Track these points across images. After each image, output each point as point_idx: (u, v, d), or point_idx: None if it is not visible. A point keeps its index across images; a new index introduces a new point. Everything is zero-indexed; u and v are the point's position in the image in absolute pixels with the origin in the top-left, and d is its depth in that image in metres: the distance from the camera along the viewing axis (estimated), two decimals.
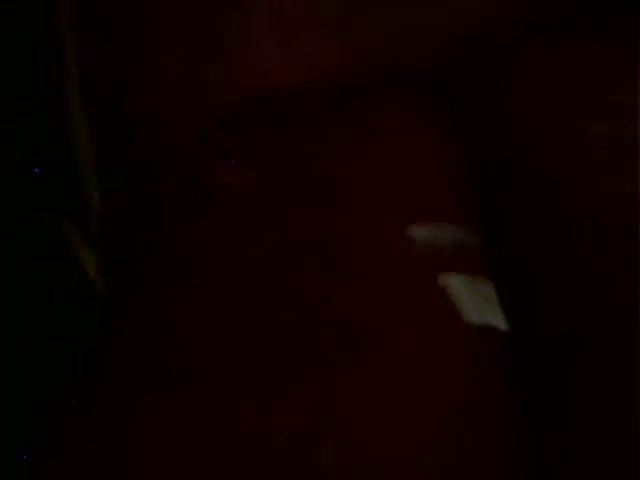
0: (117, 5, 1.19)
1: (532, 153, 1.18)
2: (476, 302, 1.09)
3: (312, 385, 1.00)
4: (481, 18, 1.29)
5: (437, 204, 1.17)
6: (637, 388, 0.93)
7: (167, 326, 1.07)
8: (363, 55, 1.25)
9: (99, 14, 1.19)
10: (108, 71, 1.20)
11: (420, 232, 1.12)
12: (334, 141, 1.20)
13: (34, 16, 1.18)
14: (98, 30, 1.19)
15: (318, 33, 1.23)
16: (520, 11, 1.30)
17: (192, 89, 1.21)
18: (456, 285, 1.09)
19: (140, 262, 1.15)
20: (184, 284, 1.10)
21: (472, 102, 1.26)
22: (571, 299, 1.06)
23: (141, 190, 1.19)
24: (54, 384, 1.08)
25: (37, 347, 1.13)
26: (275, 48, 1.22)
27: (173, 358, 1.04)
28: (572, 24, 1.27)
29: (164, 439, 0.95)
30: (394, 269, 1.10)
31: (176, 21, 1.20)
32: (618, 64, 1.21)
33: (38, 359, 1.12)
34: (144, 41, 1.20)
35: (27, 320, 1.14)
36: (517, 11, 1.30)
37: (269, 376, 1.01)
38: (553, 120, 1.19)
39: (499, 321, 1.09)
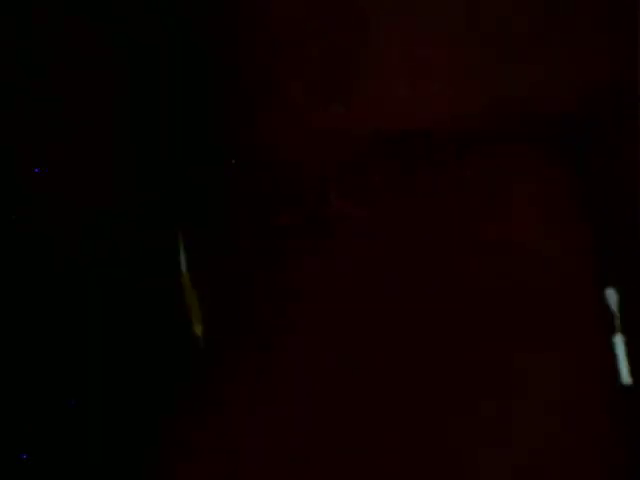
0: (249, 35, 1.19)
1: None
2: None
3: None
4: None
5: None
6: None
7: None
8: (497, 104, 1.21)
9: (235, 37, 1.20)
10: (238, 100, 1.21)
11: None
12: (460, 189, 1.19)
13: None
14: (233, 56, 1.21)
15: (452, 78, 1.20)
16: None
17: (319, 125, 1.20)
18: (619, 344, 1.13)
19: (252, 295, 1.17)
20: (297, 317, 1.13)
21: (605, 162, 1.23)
22: None
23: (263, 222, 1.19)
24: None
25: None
26: (406, 90, 1.19)
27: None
28: None
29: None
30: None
31: (306, 55, 1.20)
32: None
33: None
34: (274, 72, 1.20)
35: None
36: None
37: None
38: None
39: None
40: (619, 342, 1.13)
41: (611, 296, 1.16)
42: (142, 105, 1.17)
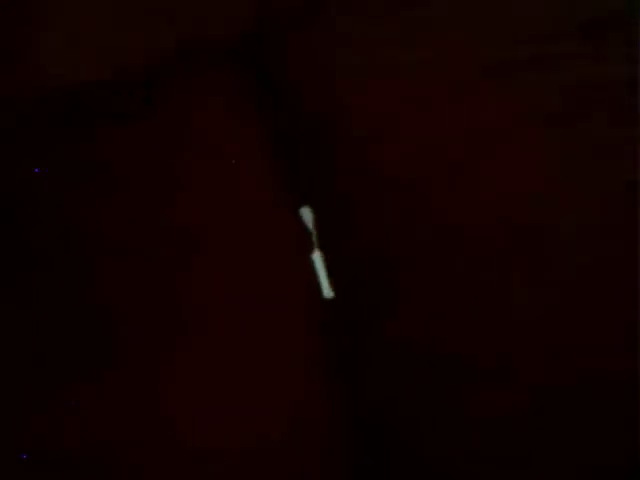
0: None
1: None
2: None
3: None
4: None
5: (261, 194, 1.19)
6: None
7: None
8: (162, 40, 1.24)
9: None
10: None
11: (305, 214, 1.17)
12: (148, 138, 1.19)
13: None
14: None
15: (114, 29, 1.21)
16: None
17: None
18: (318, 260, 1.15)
19: None
20: None
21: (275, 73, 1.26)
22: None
23: None
24: None
25: None
26: (66, 46, 1.19)
27: None
28: None
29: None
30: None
31: None
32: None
33: None
34: None
35: None
36: None
37: None
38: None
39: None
40: (318, 259, 1.16)
41: (306, 214, 1.18)
42: None
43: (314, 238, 1.17)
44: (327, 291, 1.15)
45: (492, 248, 1.11)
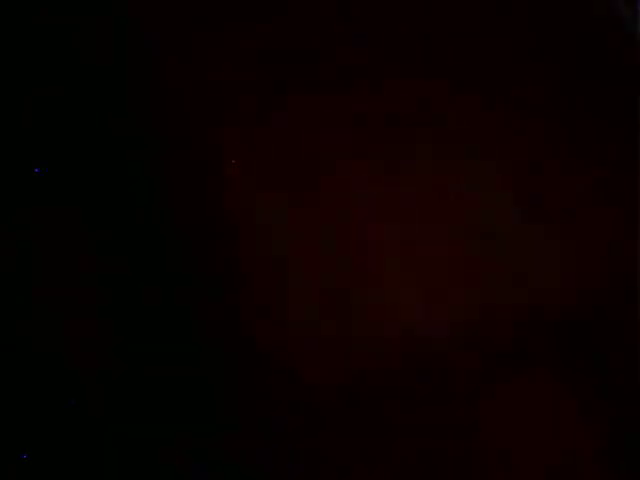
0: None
1: None
2: None
3: None
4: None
5: None
6: None
7: None
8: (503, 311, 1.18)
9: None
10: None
11: None
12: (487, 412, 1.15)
13: None
14: None
15: (461, 289, 1.17)
16: None
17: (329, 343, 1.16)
18: None
19: None
20: None
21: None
22: None
23: None
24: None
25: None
26: (418, 304, 1.16)
27: None
28: None
29: None
30: None
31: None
32: None
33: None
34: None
35: None
36: None
37: None
38: None
39: None
40: None
41: None
42: None
43: None
44: None
45: None
